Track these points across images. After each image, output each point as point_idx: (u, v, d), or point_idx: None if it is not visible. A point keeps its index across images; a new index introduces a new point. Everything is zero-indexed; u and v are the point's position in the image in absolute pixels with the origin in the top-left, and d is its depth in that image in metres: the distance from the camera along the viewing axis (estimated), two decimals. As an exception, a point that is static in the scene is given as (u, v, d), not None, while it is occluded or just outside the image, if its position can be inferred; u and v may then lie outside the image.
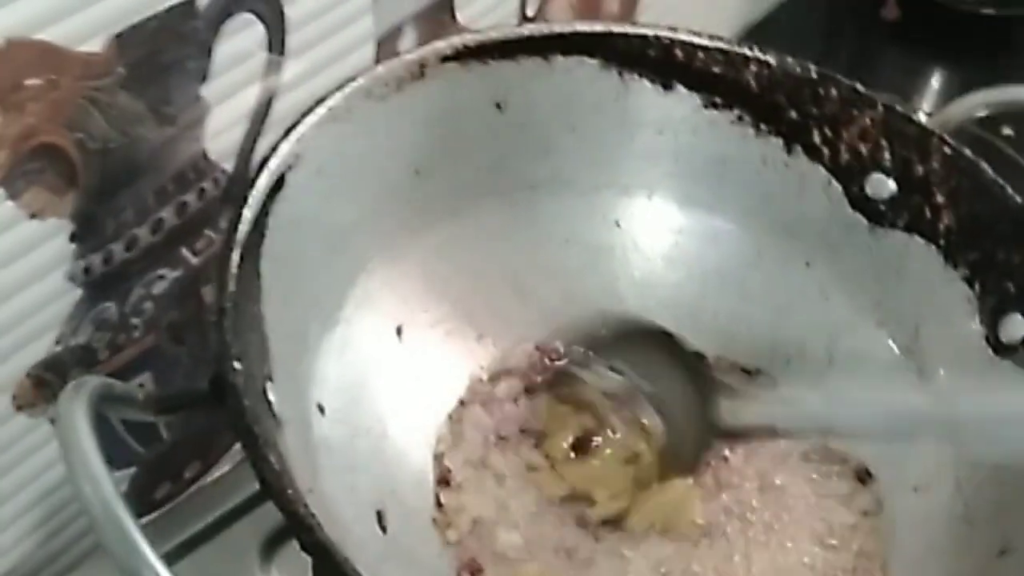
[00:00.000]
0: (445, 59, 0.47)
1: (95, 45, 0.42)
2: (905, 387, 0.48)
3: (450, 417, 0.48)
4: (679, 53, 0.50)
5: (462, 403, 0.49)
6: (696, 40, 0.49)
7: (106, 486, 0.30)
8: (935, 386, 0.48)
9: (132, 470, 0.54)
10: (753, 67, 0.50)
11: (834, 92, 0.49)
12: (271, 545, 0.53)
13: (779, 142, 0.50)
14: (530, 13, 0.65)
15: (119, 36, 0.43)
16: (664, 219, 0.53)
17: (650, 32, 0.49)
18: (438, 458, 0.47)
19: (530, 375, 0.50)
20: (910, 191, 0.48)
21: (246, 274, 0.38)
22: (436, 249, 0.49)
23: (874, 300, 0.50)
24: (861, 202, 0.50)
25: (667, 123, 0.51)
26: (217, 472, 0.59)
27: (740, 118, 0.50)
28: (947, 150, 0.47)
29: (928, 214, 0.48)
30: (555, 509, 0.47)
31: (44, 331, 0.47)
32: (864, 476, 0.49)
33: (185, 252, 0.51)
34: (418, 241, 0.48)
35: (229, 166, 0.51)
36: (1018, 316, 0.45)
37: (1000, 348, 0.45)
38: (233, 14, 0.47)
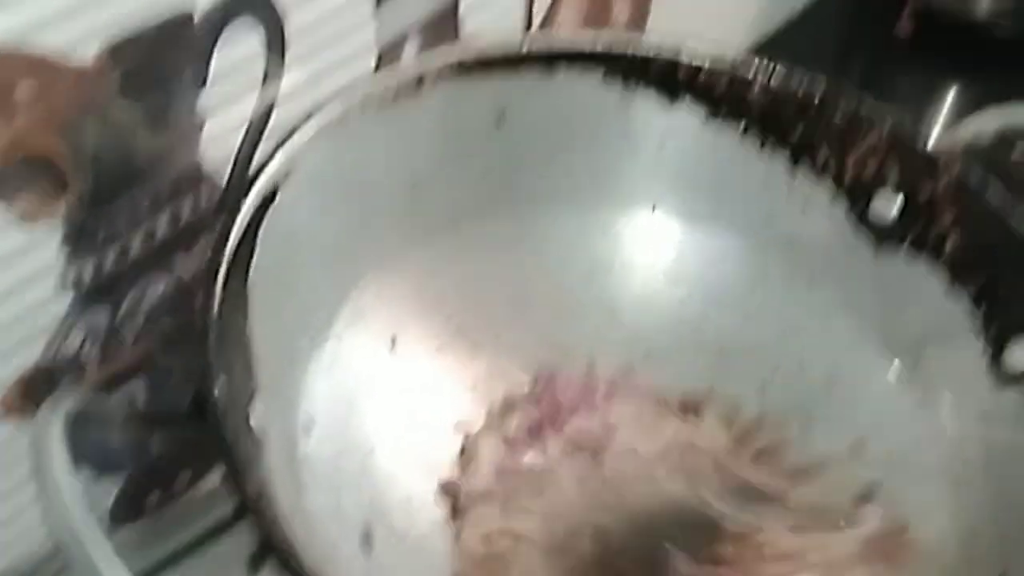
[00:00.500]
0: (444, 71, 0.46)
1: (88, 53, 0.42)
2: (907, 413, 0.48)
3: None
4: (683, 66, 0.49)
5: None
6: (701, 53, 0.49)
7: (78, 510, 0.29)
8: (938, 413, 0.47)
9: (121, 478, 0.54)
10: (759, 81, 0.49)
11: (842, 109, 0.48)
12: (260, 557, 0.52)
13: (784, 158, 0.50)
14: (536, 22, 0.64)
15: (113, 44, 0.42)
16: (666, 234, 0.52)
17: (654, 44, 0.48)
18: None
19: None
20: (916, 212, 0.47)
21: (233, 290, 0.38)
22: (431, 263, 0.48)
23: (877, 322, 0.49)
24: (866, 221, 0.49)
25: (670, 137, 0.50)
26: (208, 482, 0.58)
27: (745, 133, 0.50)
28: (955, 170, 0.46)
29: (934, 235, 0.47)
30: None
31: (34, 338, 0.47)
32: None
33: (179, 261, 0.51)
34: (413, 255, 0.48)
35: (225, 176, 0.50)
36: (1024, 344, 0.44)
37: (1005, 376, 0.44)
38: (231, 23, 0.47)
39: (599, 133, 0.50)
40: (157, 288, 0.51)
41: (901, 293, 0.48)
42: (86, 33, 0.41)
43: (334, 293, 0.45)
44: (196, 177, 0.49)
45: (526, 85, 0.48)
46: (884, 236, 0.48)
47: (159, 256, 0.50)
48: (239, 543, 0.52)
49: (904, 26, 0.91)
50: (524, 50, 0.48)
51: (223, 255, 0.38)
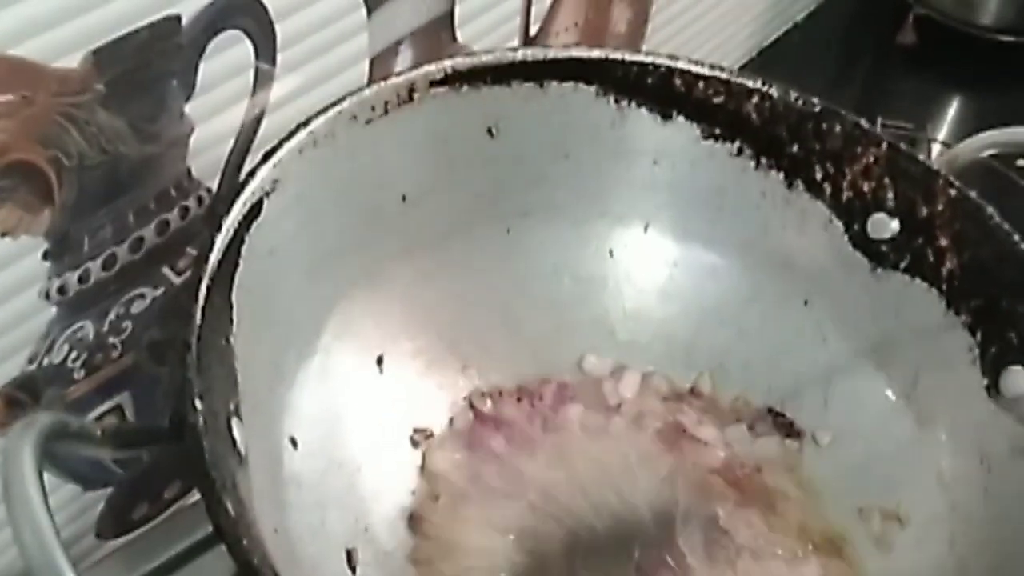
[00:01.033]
0: (435, 83, 0.45)
1: (72, 61, 0.41)
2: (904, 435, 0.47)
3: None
4: (678, 82, 0.48)
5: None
6: (696, 69, 0.48)
7: (48, 535, 0.28)
8: (935, 436, 0.46)
9: (109, 490, 0.53)
10: (755, 99, 0.48)
11: (838, 127, 0.48)
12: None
13: (779, 177, 0.49)
14: (533, 32, 0.63)
15: (97, 52, 0.42)
16: (659, 251, 0.51)
17: (648, 60, 0.48)
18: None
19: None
20: (913, 232, 0.47)
21: (216, 305, 0.37)
22: (421, 277, 0.47)
23: (873, 343, 0.49)
24: (862, 242, 0.48)
25: (664, 153, 0.50)
26: (197, 493, 0.58)
27: (740, 151, 0.49)
28: (953, 192, 0.46)
29: (931, 257, 0.47)
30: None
31: (17, 350, 0.46)
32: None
33: (166, 271, 0.50)
34: (402, 268, 0.47)
35: (214, 185, 0.50)
36: (1020, 369, 0.43)
37: (1001, 401, 0.44)
38: (220, 31, 0.46)
39: (592, 148, 0.49)
40: (145, 298, 0.50)
41: (897, 314, 0.48)
42: (70, 39, 0.41)
43: (321, 308, 0.44)
44: (185, 185, 0.49)
45: (519, 98, 0.47)
46: (881, 257, 0.48)
47: (147, 265, 0.49)
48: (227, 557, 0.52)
49: (906, 35, 0.90)
50: (517, 61, 0.47)
51: (205, 269, 0.37)
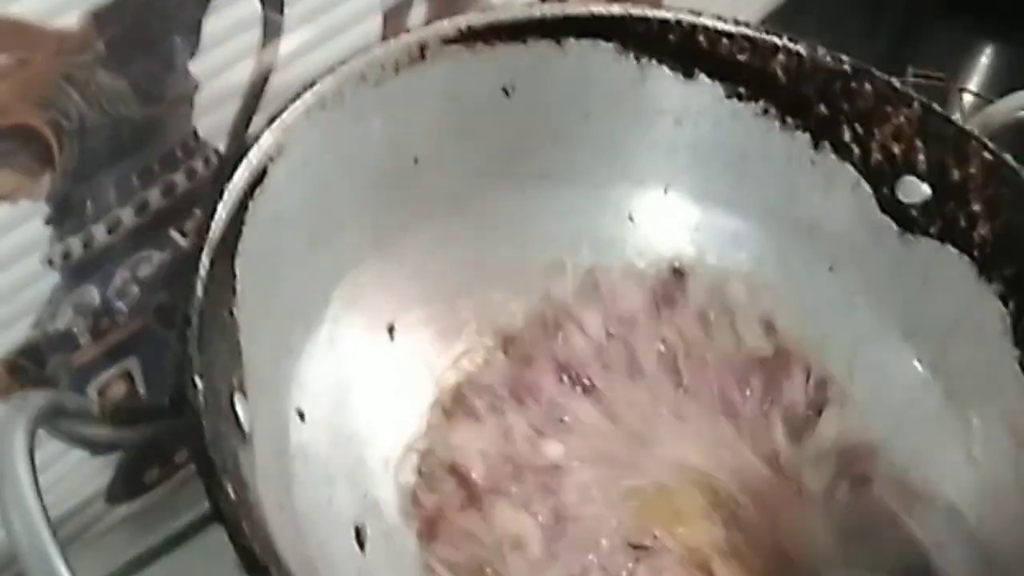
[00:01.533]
0: (448, 41, 0.44)
1: (71, 20, 0.40)
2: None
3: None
4: (702, 39, 0.47)
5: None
6: (721, 26, 0.46)
7: (37, 520, 0.27)
8: (962, 409, 0.45)
9: (117, 454, 0.53)
10: (781, 57, 0.46)
11: (868, 87, 0.46)
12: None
13: (806, 138, 0.47)
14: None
15: (97, 10, 0.40)
16: (680, 215, 0.50)
17: (671, 16, 0.46)
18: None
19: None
20: (945, 197, 0.45)
21: (218, 276, 0.36)
22: (433, 243, 0.46)
23: (901, 311, 0.47)
24: (892, 206, 0.46)
25: (687, 113, 0.48)
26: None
27: (765, 111, 0.47)
28: (987, 155, 0.44)
29: (963, 223, 0.45)
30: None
31: (20, 316, 0.45)
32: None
33: (174, 233, 0.49)
34: (414, 234, 0.46)
35: (222, 145, 0.48)
36: (1055, 342, 0.42)
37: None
38: (225, -17, 0.44)
39: (612, 108, 0.48)
40: (151, 261, 0.49)
41: (927, 281, 0.46)
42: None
43: (329, 277, 0.43)
44: (191, 146, 0.47)
45: (536, 56, 0.46)
46: (910, 221, 0.46)
47: (153, 228, 0.48)
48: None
49: (939, -16, 0.88)
50: (535, 18, 0.45)
51: (207, 237, 0.36)
